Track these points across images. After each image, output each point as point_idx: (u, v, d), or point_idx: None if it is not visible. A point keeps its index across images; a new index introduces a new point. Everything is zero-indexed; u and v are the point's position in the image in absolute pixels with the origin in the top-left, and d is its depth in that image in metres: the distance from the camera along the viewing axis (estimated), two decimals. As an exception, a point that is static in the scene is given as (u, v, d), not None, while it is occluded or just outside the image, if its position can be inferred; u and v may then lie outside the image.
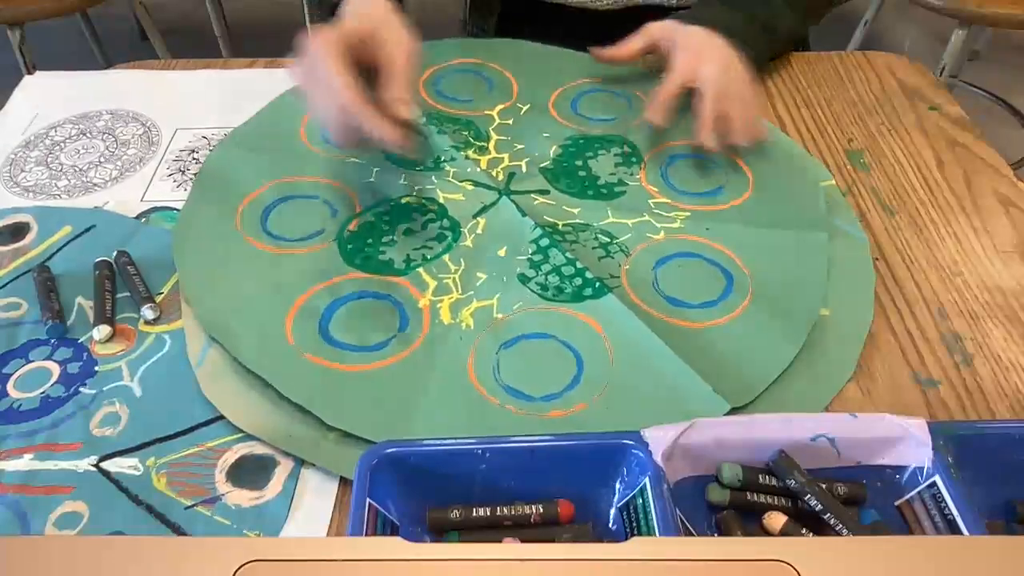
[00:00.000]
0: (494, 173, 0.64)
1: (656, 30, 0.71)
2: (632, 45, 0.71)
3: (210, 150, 0.68)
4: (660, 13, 0.81)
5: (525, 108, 0.71)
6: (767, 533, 0.40)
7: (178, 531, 0.42)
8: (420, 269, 0.56)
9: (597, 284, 0.54)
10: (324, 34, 0.53)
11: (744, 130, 0.64)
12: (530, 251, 0.57)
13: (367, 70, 0.55)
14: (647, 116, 0.65)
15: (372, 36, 0.55)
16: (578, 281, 0.54)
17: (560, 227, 0.59)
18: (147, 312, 0.53)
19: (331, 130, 0.55)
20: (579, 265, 0.55)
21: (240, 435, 0.47)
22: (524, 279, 0.55)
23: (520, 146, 0.67)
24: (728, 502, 0.40)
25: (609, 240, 0.58)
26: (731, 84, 0.65)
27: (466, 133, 0.68)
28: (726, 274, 0.55)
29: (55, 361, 0.51)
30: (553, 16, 0.85)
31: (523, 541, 0.38)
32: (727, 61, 0.66)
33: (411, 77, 0.55)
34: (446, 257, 0.57)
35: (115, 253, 0.57)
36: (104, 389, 0.49)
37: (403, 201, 0.62)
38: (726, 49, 0.67)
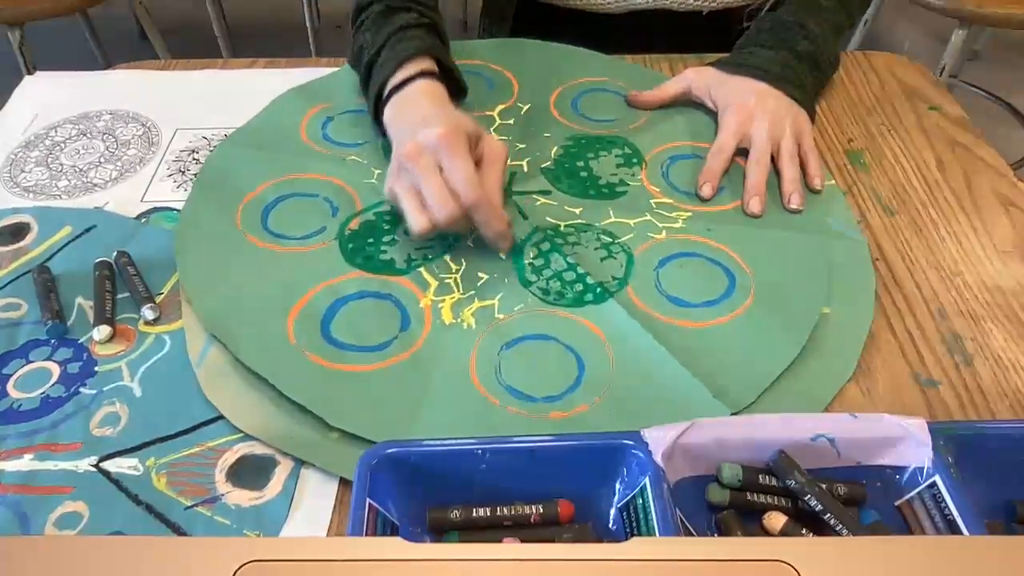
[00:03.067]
0: None
1: (693, 77, 0.70)
2: (666, 91, 0.71)
3: (210, 150, 0.68)
4: (669, 16, 0.82)
5: (526, 108, 0.71)
6: (767, 533, 0.40)
7: (178, 531, 0.42)
8: (421, 269, 0.56)
9: (598, 290, 0.54)
10: (447, 128, 0.53)
11: (796, 190, 0.62)
12: (531, 255, 0.57)
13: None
14: (700, 192, 0.62)
15: (476, 134, 0.56)
16: (579, 287, 0.54)
17: (562, 228, 0.59)
18: (147, 312, 0.53)
19: (439, 215, 0.52)
20: (580, 270, 0.55)
21: (240, 435, 0.47)
22: (525, 283, 0.55)
23: (521, 146, 0.67)
24: (728, 502, 0.40)
25: (611, 240, 0.58)
26: (784, 143, 0.64)
27: None
28: (728, 274, 0.56)
29: (55, 361, 0.51)
30: (565, 22, 0.85)
31: (523, 541, 0.38)
32: (778, 117, 0.65)
33: (504, 176, 0.57)
34: (447, 257, 0.57)
35: (115, 253, 0.57)
36: (104, 389, 0.49)
37: None
38: (774, 101, 0.65)
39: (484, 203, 0.52)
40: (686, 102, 0.72)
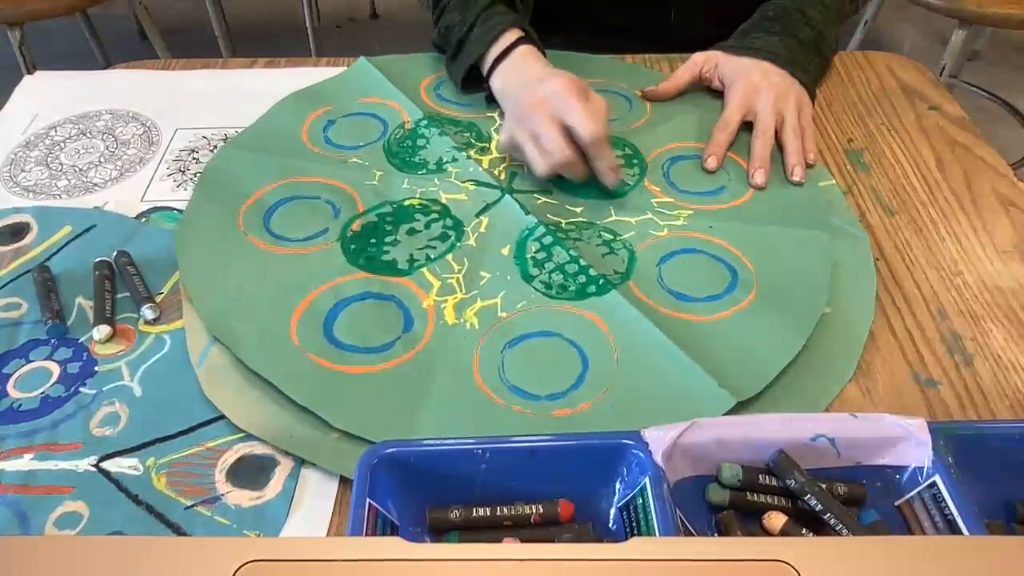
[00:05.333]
0: (496, 172, 0.64)
1: (702, 60, 0.72)
2: (679, 78, 0.73)
3: (210, 150, 0.68)
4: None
5: None
6: (767, 533, 0.40)
7: (178, 531, 0.42)
8: (424, 269, 0.56)
9: (601, 281, 0.54)
10: (568, 78, 0.60)
11: (799, 162, 0.64)
12: (533, 249, 0.57)
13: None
14: (704, 164, 0.64)
15: (586, 88, 0.61)
16: (582, 279, 0.54)
17: (563, 225, 0.60)
18: (147, 312, 0.53)
19: (558, 156, 0.59)
20: (583, 263, 0.55)
21: (240, 435, 0.47)
22: (528, 277, 0.55)
23: None
24: (728, 502, 0.40)
25: (612, 237, 0.58)
26: (788, 115, 0.66)
27: (468, 135, 0.69)
28: (730, 270, 0.56)
29: (55, 361, 0.51)
30: (579, 25, 0.87)
31: (523, 541, 0.38)
32: (782, 91, 0.67)
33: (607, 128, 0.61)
34: (449, 257, 0.57)
35: (115, 253, 0.57)
36: (104, 389, 0.49)
37: (406, 203, 0.62)
38: (779, 78, 0.68)
39: (600, 139, 0.59)
40: (687, 103, 0.72)
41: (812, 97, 0.70)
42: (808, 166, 0.65)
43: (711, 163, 0.64)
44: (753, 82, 0.67)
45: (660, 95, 0.73)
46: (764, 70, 0.68)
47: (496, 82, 0.68)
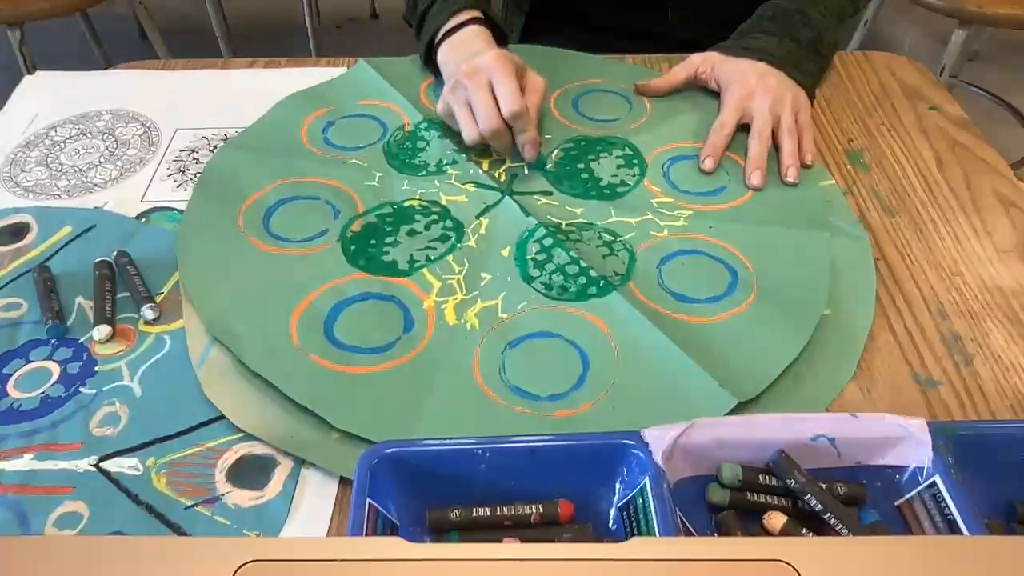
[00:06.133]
0: (496, 174, 0.64)
1: (699, 60, 0.72)
2: (675, 76, 0.73)
3: (210, 150, 0.68)
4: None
5: None
6: (767, 533, 0.40)
7: (178, 531, 0.42)
8: (424, 270, 0.56)
9: (601, 282, 0.54)
10: (500, 53, 0.63)
11: (793, 163, 0.64)
12: (534, 250, 0.57)
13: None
14: (701, 165, 0.65)
15: (522, 67, 0.65)
16: (582, 280, 0.54)
17: (564, 227, 0.60)
18: (147, 312, 0.53)
19: (485, 125, 0.62)
20: (583, 264, 0.55)
21: (240, 435, 0.47)
22: (528, 279, 0.55)
23: None
24: (728, 502, 0.40)
25: (613, 239, 0.58)
26: (784, 117, 0.66)
27: None
28: (730, 271, 0.56)
29: (55, 361, 0.51)
30: (578, 26, 0.88)
31: (523, 541, 0.38)
32: (778, 93, 0.66)
33: (541, 104, 0.66)
34: (450, 258, 0.57)
35: (115, 253, 0.57)
36: (104, 389, 0.49)
37: (405, 204, 0.62)
38: (776, 79, 0.67)
39: (523, 114, 0.61)
40: (686, 103, 0.72)
41: (812, 97, 0.70)
42: (806, 166, 0.65)
43: (708, 164, 0.64)
44: (749, 84, 0.67)
45: (653, 90, 0.73)
46: (760, 72, 0.68)
47: (441, 54, 0.70)
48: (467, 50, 0.67)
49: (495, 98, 0.61)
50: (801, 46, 0.70)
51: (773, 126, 0.65)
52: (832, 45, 0.75)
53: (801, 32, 0.71)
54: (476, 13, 0.71)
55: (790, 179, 0.63)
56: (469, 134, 0.63)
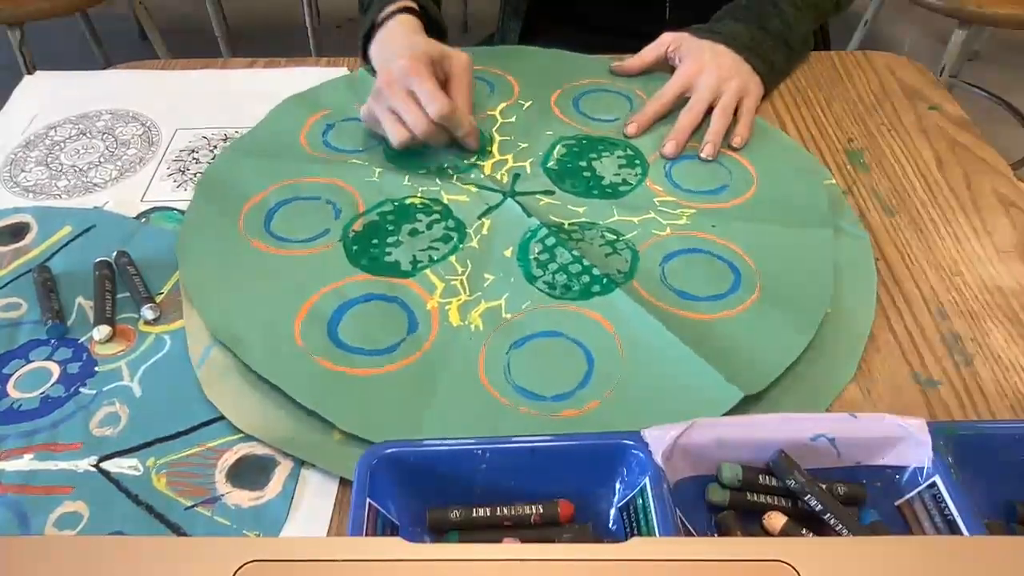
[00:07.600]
0: (499, 176, 0.64)
1: (669, 39, 0.73)
2: (647, 55, 0.74)
3: (210, 150, 0.68)
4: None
5: (527, 104, 0.71)
6: (767, 533, 0.40)
7: (178, 531, 0.42)
8: (427, 271, 0.56)
9: (605, 280, 0.54)
10: (409, 57, 0.62)
11: (712, 140, 0.65)
12: (536, 250, 0.57)
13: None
14: (625, 130, 0.67)
15: (440, 54, 0.64)
16: (585, 278, 0.54)
17: (566, 226, 0.60)
18: (147, 312, 0.53)
19: (416, 129, 0.61)
20: (586, 263, 0.55)
21: (240, 435, 0.47)
22: (531, 279, 0.55)
23: (524, 145, 0.67)
24: (728, 502, 0.40)
25: (615, 237, 0.58)
26: (724, 96, 0.67)
27: None
28: (734, 269, 0.56)
29: (55, 361, 0.51)
30: (576, 25, 0.88)
31: (523, 541, 0.38)
32: (727, 73, 0.67)
33: (471, 85, 0.66)
34: (453, 259, 0.57)
35: (115, 253, 0.57)
36: (104, 389, 0.49)
37: (407, 202, 0.62)
38: (730, 61, 0.68)
39: (450, 113, 0.61)
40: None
41: (771, 88, 0.71)
42: (733, 148, 0.66)
43: (631, 129, 0.66)
44: (701, 61, 0.68)
45: (627, 71, 0.74)
46: (716, 52, 0.69)
47: (372, 50, 0.70)
48: (390, 47, 0.67)
49: (419, 101, 0.61)
50: (769, 35, 0.71)
51: (712, 104, 0.66)
52: (806, 39, 0.76)
53: (771, 22, 0.72)
54: (407, 3, 0.70)
55: (703, 155, 0.64)
56: (395, 136, 0.62)
